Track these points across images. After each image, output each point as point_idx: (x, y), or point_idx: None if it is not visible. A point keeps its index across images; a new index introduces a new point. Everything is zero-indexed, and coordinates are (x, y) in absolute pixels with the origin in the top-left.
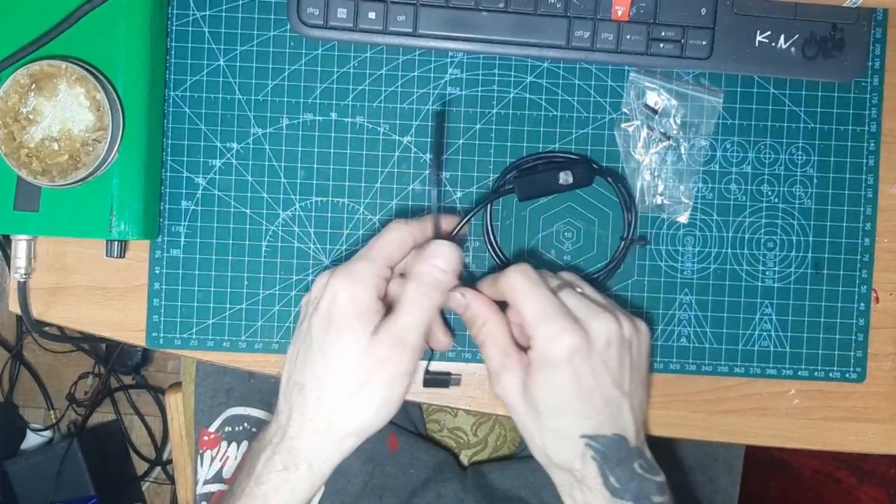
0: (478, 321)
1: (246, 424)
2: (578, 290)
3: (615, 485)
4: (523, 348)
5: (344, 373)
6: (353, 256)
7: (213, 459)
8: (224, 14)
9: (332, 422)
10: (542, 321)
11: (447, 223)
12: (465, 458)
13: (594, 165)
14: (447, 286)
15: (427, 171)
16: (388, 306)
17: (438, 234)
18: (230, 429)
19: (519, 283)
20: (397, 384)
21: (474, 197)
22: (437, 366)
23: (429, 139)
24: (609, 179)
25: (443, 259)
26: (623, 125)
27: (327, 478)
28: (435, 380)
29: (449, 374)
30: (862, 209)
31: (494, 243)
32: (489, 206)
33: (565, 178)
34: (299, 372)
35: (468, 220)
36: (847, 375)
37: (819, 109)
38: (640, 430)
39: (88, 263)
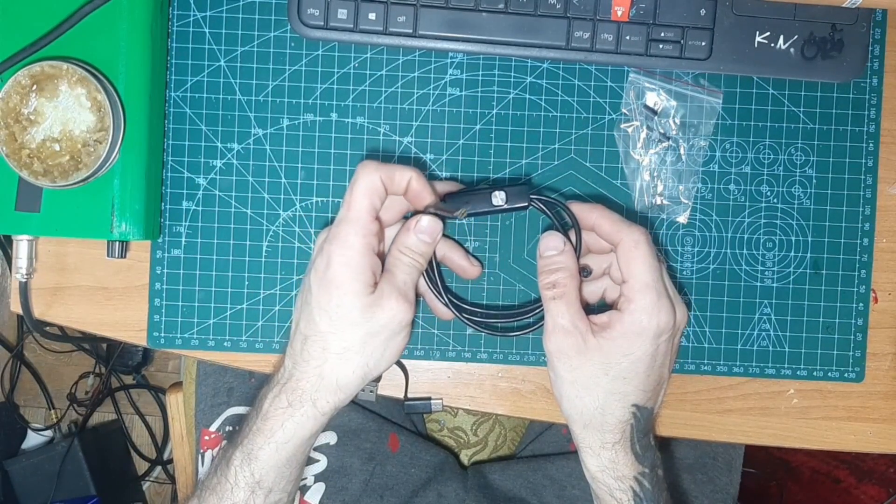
0: (562, 273)
1: None
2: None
3: (639, 451)
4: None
5: (350, 328)
6: (337, 213)
7: (213, 459)
8: (225, 15)
9: (338, 370)
10: (650, 290)
11: (426, 191)
12: (465, 457)
13: (530, 192)
14: (430, 253)
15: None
16: (380, 255)
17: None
18: (231, 428)
19: (645, 244)
20: (404, 332)
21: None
22: (420, 366)
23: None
24: (542, 207)
25: (427, 234)
26: (622, 126)
27: (329, 418)
28: (414, 406)
29: (429, 398)
30: (861, 209)
31: (439, 284)
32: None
33: (499, 199)
34: (305, 324)
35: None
36: (846, 375)
37: (818, 110)
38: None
39: (90, 264)
